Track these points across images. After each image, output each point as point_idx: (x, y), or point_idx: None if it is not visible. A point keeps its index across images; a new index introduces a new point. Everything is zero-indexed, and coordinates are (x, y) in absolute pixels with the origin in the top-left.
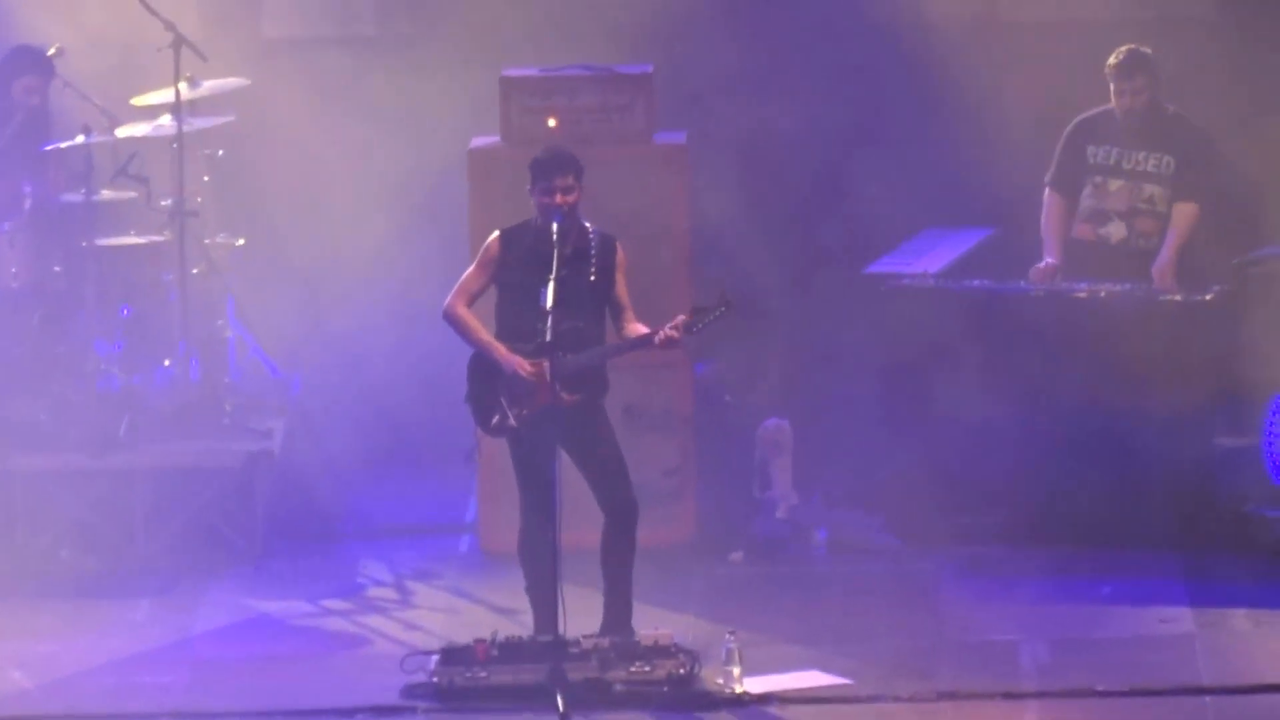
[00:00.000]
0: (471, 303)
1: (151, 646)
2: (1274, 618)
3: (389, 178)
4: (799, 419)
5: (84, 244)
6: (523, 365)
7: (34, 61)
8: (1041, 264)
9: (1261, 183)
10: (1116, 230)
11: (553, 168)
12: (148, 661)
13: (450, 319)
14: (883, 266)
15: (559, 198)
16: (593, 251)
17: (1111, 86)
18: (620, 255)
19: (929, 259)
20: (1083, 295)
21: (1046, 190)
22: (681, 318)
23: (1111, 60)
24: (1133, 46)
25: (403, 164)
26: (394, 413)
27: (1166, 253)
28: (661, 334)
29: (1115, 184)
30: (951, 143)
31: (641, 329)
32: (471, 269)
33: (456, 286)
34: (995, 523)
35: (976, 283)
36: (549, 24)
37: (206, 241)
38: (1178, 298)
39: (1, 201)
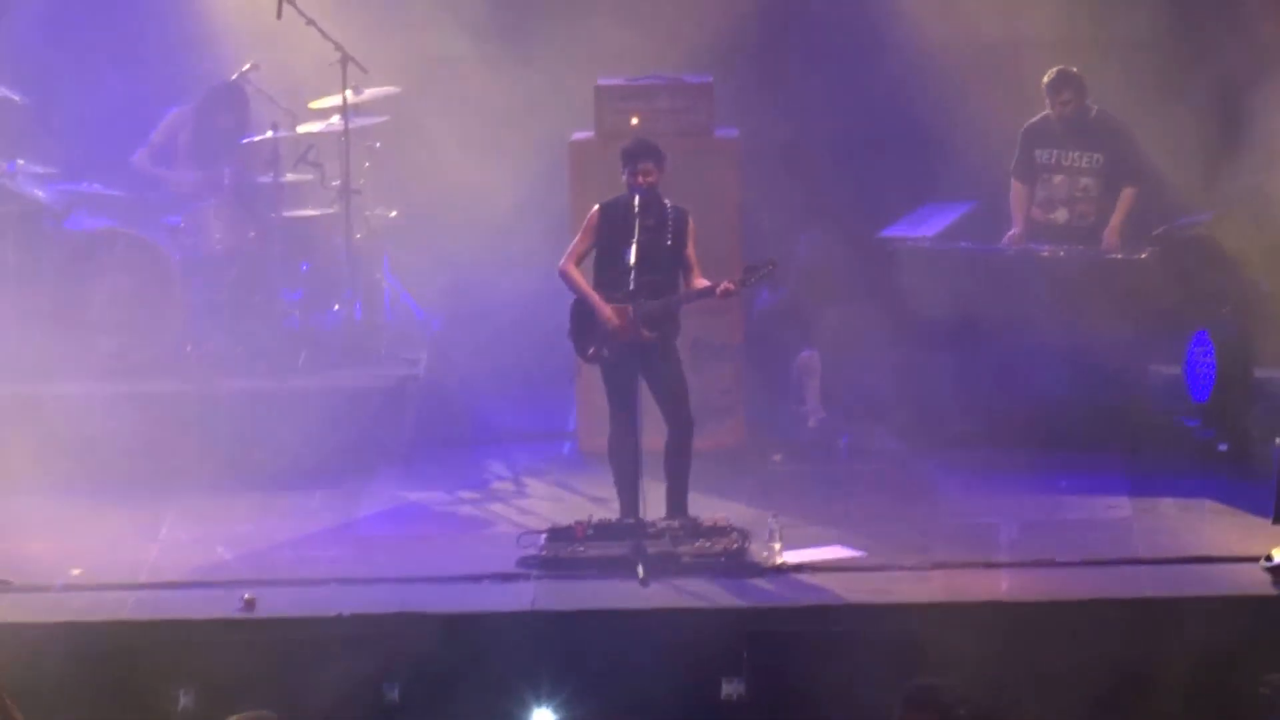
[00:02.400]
0: (579, 262)
1: (323, 527)
2: (1194, 504)
3: (508, 164)
4: (827, 351)
5: (272, 215)
6: (612, 312)
7: (229, 97)
8: (1010, 232)
9: (1171, 169)
10: (1061, 215)
11: (636, 155)
12: (320, 539)
13: (563, 275)
14: (891, 232)
15: (641, 179)
16: (669, 221)
17: (1046, 99)
18: (691, 225)
19: (926, 226)
20: (1045, 254)
21: (1012, 178)
22: (737, 276)
23: (1045, 79)
24: (1061, 67)
25: (519, 153)
26: (511, 345)
27: (1114, 221)
28: (721, 287)
29: (1057, 178)
30: (943, 136)
31: (705, 283)
32: (578, 236)
33: (567, 250)
34: (979, 431)
35: (963, 244)
36: (633, 42)
37: (367, 214)
38: (1120, 256)
39: (207, 184)
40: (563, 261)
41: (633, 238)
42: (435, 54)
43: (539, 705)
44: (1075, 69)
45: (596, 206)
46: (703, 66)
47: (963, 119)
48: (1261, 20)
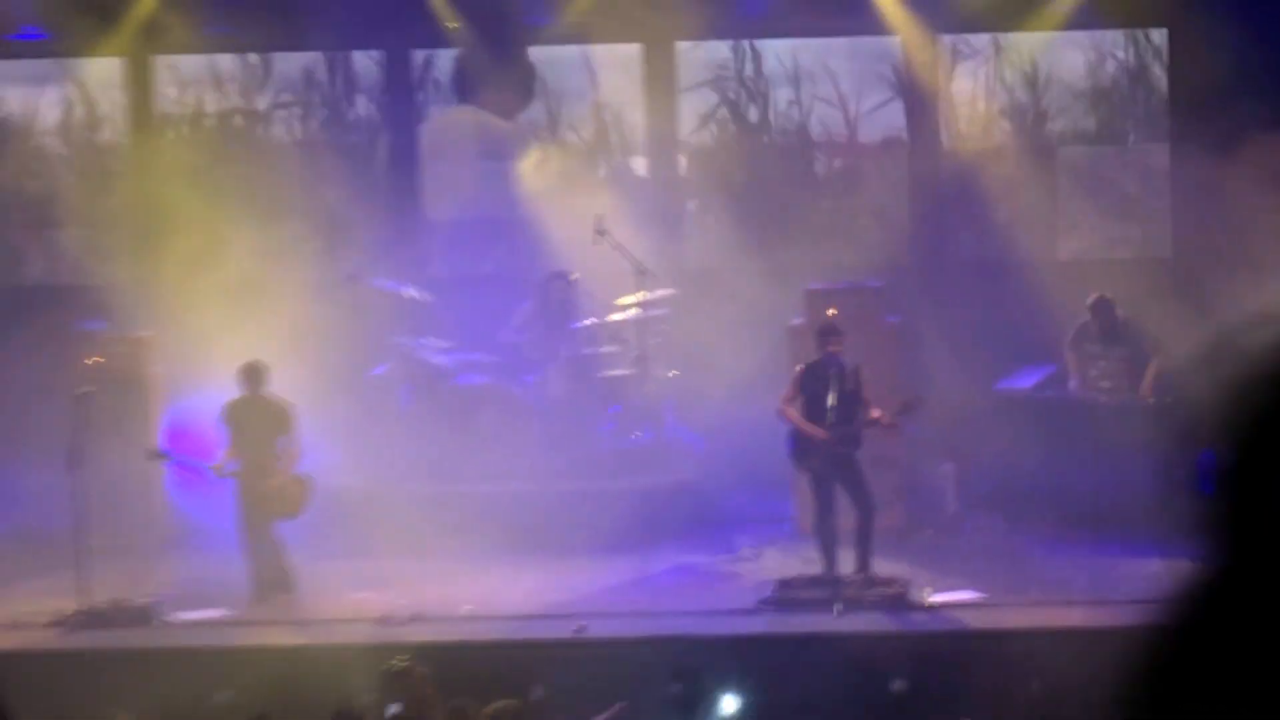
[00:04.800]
0: (791, 403)
1: (627, 579)
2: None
3: (751, 340)
4: (959, 462)
5: (594, 375)
6: (819, 433)
7: (565, 296)
8: (1072, 383)
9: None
10: (1103, 389)
11: (828, 333)
12: (626, 587)
13: (780, 413)
14: (1000, 384)
15: (831, 349)
16: (850, 375)
17: (1089, 314)
18: (862, 375)
19: (1023, 380)
20: (1104, 399)
21: (1067, 349)
22: (894, 410)
23: (1088, 301)
24: (1099, 295)
25: (759, 332)
26: (750, 459)
27: (1146, 383)
28: (884, 419)
29: (1099, 365)
30: (1028, 314)
31: (876, 414)
32: (788, 387)
33: (782, 396)
34: (1053, 516)
35: (1049, 392)
36: (837, 254)
37: (656, 374)
38: (1152, 401)
39: (550, 354)
40: (780, 405)
41: (829, 388)
42: (698, 265)
43: (731, 693)
44: (1108, 294)
45: (801, 366)
46: (880, 271)
47: (1038, 313)
48: None
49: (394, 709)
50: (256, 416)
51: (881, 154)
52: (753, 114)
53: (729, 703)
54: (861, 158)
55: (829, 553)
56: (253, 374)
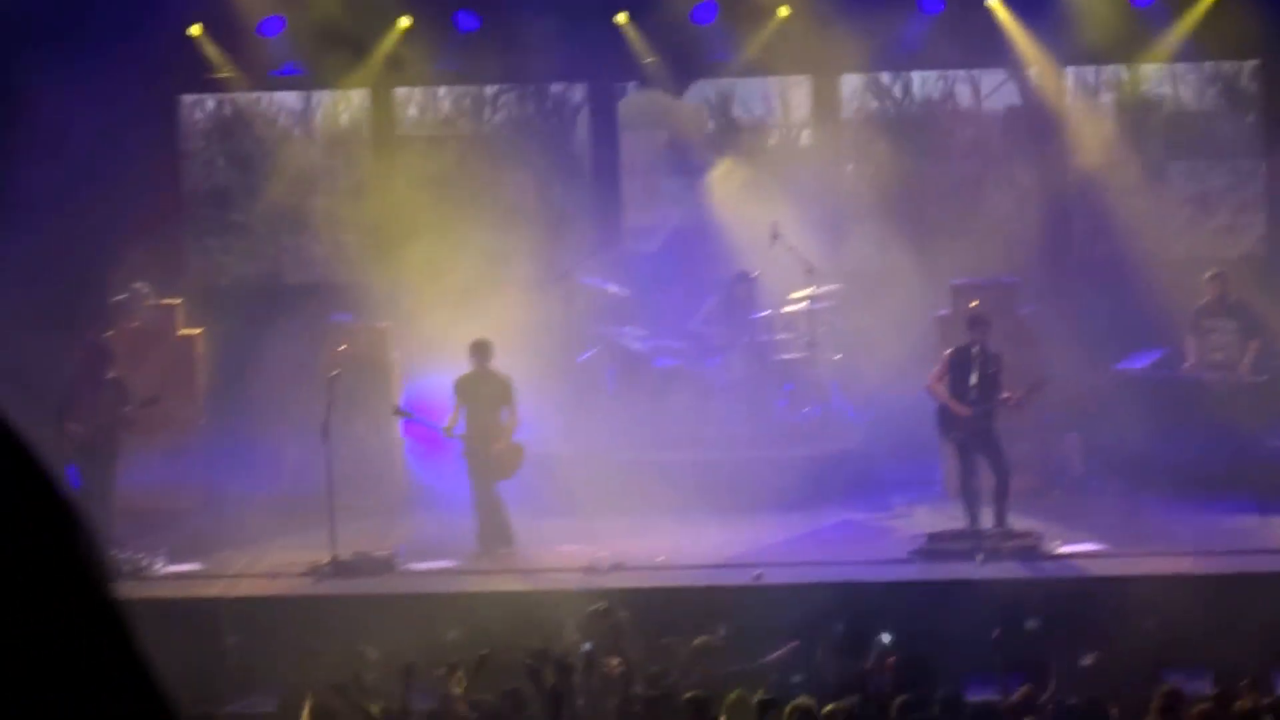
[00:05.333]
0: (940, 382)
1: (800, 533)
2: None
3: (904, 328)
4: (1083, 431)
5: (771, 357)
6: (963, 409)
7: (746, 292)
8: (1187, 364)
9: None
10: (1217, 360)
11: (975, 322)
12: (799, 540)
13: (929, 390)
14: (1120, 365)
15: (975, 335)
16: (992, 359)
17: (1207, 288)
18: (1002, 360)
19: (1135, 362)
20: (1211, 377)
21: (1187, 332)
22: (1022, 390)
23: (1205, 276)
24: (1215, 270)
25: (910, 321)
26: (906, 431)
27: (1246, 361)
28: (1013, 399)
29: (1213, 337)
30: (1141, 305)
31: (1006, 395)
32: (937, 367)
33: (932, 374)
34: (1164, 479)
35: (1161, 371)
36: (983, 253)
37: (823, 357)
38: (1249, 378)
39: (732, 339)
40: (929, 382)
41: (973, 369)
42: (858, 265)
43: (888, 633)
44: (1222, 269)
45: (949, 350)
46: (1014, 268)
47: (1167, 301)
48: None
49: (587, 647)
50: (484, 389)
51: (1006, 130)
52: (897, 90)
53: (885, 640)
54: (989, 131)
55: (971, 510)
56: (481, 350)
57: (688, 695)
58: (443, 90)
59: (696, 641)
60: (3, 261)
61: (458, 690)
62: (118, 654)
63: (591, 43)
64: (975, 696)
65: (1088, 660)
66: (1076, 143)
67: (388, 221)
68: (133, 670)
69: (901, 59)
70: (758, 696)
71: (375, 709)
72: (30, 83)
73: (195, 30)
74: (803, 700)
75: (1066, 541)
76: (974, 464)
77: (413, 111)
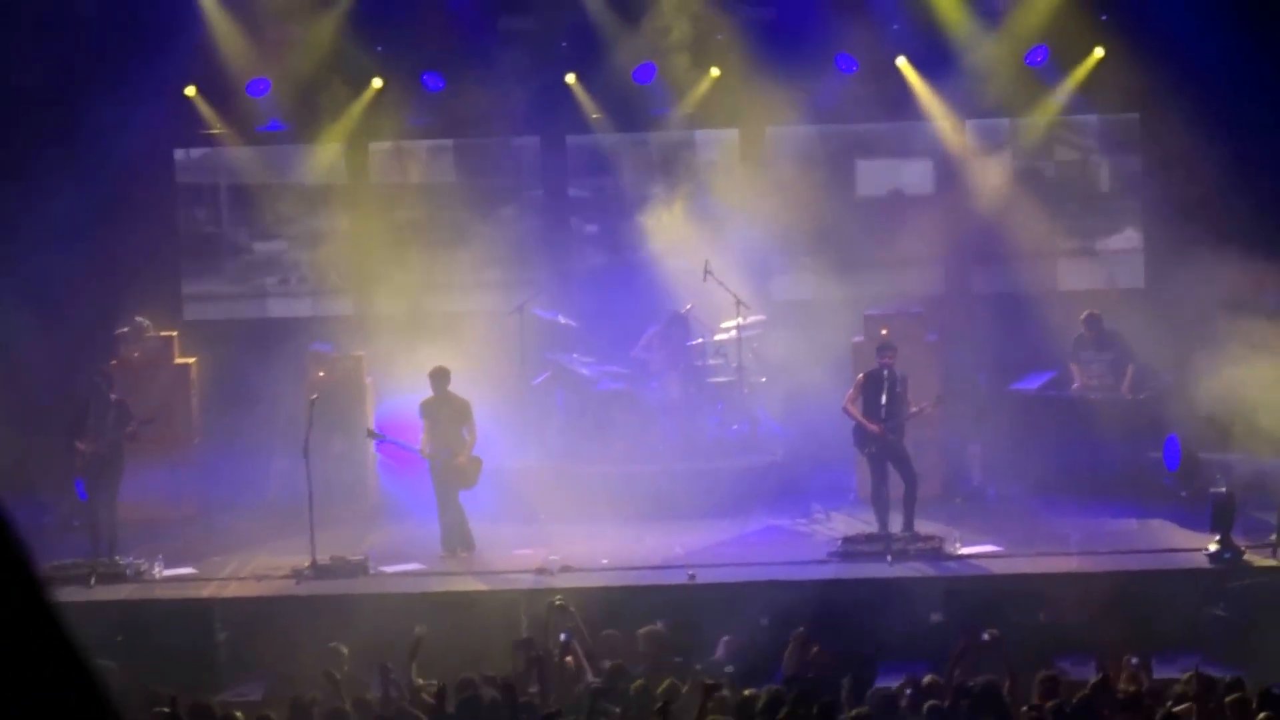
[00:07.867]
0: (853, 403)
1: (728, 537)
2: (1166, 524)
3: (821, 353)
4: (983, 444)
5: (704, 381)
6: (875, 426)
7: (680, 323)
8: (1075, 385)
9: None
10: (1095, 387)
11: (884, 348)
12: (726, 544)
13: (845, 410)
14: (1015, 385)
15: (885, 360)
16: (899, 381)
17: (1083, 326)
18: (907, 381)
19: (1029, 383)
20: (1095, 397)
21: (1069, 359)
22: (928, 403)
23: (1081, 316)
24: (1089, 311)
25: (828, 347)
26: (822, 444)
27: (1125, 382)
28: (923, 410)
29: (1092, 368)
30: (1033, 333)
31: (914, 408)
32: (851, 389)
33: (847, 396)
34: (1055, 487)
35: (1051, 391)
36: (898, 286)
37: (751, 380)
38: (1129, 397)
39: (669, 365)
40: (845, 403)
41: (883, 390)
42: (782, 297)
43: (818, 625)
44: (1097, 312)
45: (861, 375)
46: (920, 299)
47: (1051, 326)
48: None
49: (564, 636)
50: (444, 409)
51: (918, 201)
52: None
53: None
54: (905, 204)
55: (882, 516)
56: (440, 376)
57: (637, 683)
58: (412, 143)
59: (643, 630)
60: (30, 278)
61: (420, 680)
62: (55, 652)
63: (545, 100)
64: (885, 683)
65: (987, 636)
66: (977, 187)
67: (362, 262)
68: (71, 667)
69: (822, 113)
70: (699, 680)
71: (347, 700)
72: (59, 132)
73: (190, 91)
74: (730, 686)
75: (967, 543)
76: (884, 474)
77: (383, 162)
